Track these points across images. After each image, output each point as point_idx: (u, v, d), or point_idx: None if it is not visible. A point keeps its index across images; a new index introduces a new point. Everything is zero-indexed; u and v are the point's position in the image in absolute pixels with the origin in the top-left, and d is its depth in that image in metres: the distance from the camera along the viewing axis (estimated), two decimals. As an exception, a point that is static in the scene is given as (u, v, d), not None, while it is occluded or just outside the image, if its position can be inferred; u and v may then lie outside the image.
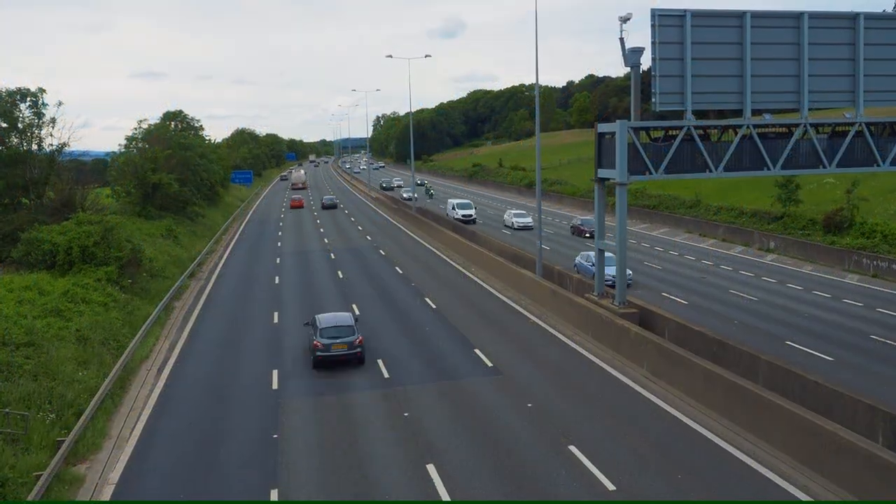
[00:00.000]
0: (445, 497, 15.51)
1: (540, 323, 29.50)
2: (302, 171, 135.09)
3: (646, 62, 27.23)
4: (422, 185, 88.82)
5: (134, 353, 25.65)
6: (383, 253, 49.27)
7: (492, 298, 34.47)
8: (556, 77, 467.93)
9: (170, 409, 21.21)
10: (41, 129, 44.22)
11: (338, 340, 23.86)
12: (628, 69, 27.76)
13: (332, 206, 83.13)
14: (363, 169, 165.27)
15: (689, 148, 26.79)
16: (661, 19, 25.07)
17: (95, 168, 69.48)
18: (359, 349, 24.12)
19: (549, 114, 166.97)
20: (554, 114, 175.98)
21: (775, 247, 46.99)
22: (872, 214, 45.83)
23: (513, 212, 64.23)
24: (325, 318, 25.23)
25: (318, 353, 23.86)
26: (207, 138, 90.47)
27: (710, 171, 27.07)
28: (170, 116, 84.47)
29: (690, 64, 25.40)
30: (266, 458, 17.59)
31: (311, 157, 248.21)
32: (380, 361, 24.72)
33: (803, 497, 15.07)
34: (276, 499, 15.76)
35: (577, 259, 40.34)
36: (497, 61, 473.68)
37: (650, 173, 26.75)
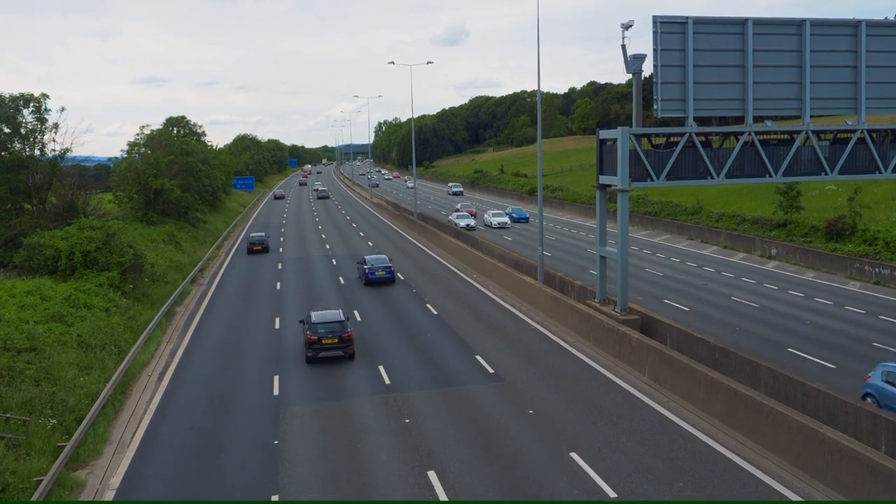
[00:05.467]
0: None
1: (541, 329, 29.47)
2: (308, 167, 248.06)
3: (647, 69, 27.33)
4: None
5: (135, 359, 25.65)
6: (385, 259, 49.22)
7: (493, 304, 34.45)
8: (557, 83, 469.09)
9: (171, 415, 21.20)
10: (44, 135, 44.41)
11: None
12: (630, 76, 27.80)
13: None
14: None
15: (691, 154, 26.79)
16: (662, 26, 25.12)
17: (98, 173, 69.50)
18: None
19: (550, 120, 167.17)
20: (556, 120, 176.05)
21: (777, 254, 46.93)
22: (874, 221, 45.74)
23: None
24: None
25: None
26: (210, 144, 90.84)
27: (712, 177, 27.05)
28: (172, 122, 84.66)
29: (692, 71, 25.43)
30: (267, 465, 17.57)
31: (324, 161, 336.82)
32: (381, 367, 24.72)
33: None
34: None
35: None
36: (499, 68, 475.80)
37: (652, 180, 26.74)
